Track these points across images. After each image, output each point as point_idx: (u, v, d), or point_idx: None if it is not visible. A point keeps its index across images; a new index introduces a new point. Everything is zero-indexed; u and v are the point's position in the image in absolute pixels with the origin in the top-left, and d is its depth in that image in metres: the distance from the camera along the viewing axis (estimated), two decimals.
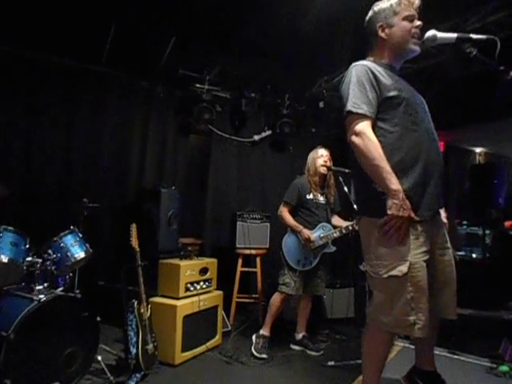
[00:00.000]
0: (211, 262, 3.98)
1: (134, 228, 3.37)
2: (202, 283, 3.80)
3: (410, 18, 2.18)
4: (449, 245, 2.24)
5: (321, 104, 5.55)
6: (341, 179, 3.64)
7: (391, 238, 2.00)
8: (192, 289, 3.68)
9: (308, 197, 3.77)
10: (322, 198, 3.82)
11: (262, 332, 3.78)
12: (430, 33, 2.09)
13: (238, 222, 4.73)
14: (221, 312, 3.98)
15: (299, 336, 3.91)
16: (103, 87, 4.54)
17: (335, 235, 3.67)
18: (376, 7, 2.25)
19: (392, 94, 2.09)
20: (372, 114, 2.07)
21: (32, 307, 2.60)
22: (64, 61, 4.23)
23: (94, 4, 3.66)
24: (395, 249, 2.02)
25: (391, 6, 2.20)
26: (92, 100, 4.47)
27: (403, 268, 2.00)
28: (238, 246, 4.69)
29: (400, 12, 2.18)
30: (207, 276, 3.88)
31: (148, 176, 4.82)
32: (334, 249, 3.76)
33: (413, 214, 1.99)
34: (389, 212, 1.97)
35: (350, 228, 3.62)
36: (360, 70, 2.13)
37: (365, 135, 2.03)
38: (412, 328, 1.99)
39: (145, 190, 4.63)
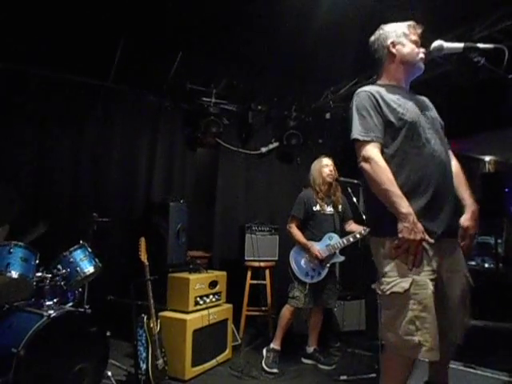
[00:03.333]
0: (220, 275, 3.96)
1: (142, 242, 3.38)
2: (211, 296, 3.79)
3: (416, 43, 2.25)
4: (460, 268, 2.16)
5: (327, 115, 5.56)
6: (349, 190, 3.62)
7: (408, 263, 1.98)
8: (201, 302, 3.67)
9: (315, 209, 3.76)
10: (328, 209, 3.81)
11: (272, 346, 3.74)
12: (437, 43, 2.09)
13: (247, 235, 4.71)
14: (231, 325, 3.95)
15: (310, 349, 3.86)
16: (112, 102, 4.60)
17: (342, 244, 3.65)
18: (385, 27, 2.30)
19: (393, 119, 2.10)
20: (379, 138, 2.09)
21: (42, 323, 2.60)
22: (74, 77, 4.31)
23: (101, 21, 3.73)
24: (399, 265, 2.00)
25: (401, 27, 2.27)
26: (101, 115, 4.53)
27: (405, 284, 1.97)
28: (246, 258, 4.67)
29: (409, 35, 2.25)
30: (216, 289, 3.86)
31: (156, 189, 4.85)
32: (342, 258, 3.73)
33: (426, 236, 1.96)
34: (400, 236, 1.95)
35: (358, 236, 3.60)
36: (363, 97, 2.15)
37: (373, 160, 2.04)
38: (418, 350, 1.93)
39: (153, 203, 4.65)
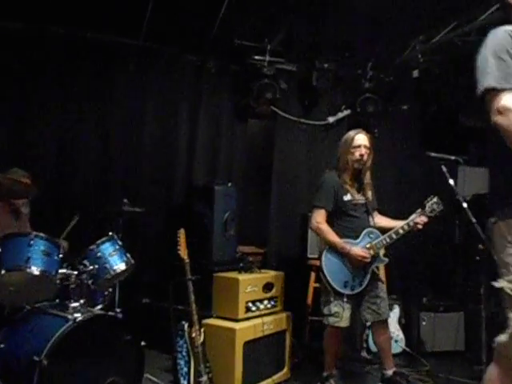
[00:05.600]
0: (277, 276, 3.97)
1: (182, 234, 3.45)
2: (265, 302, 3.80)
3: None
4: None
5: (415, 73, 5.33)
6: (444, 169, 3.46)
7: None
8: (254, 309, 3.69)
9: (345, 198, 3.64)
10: (360, 197, 3.70)
11: (325, 374, 3.73)
12: None
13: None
14: (290, 338, 3.96)
15: (389, 373, 3.78)
16: (143, 64, 4.70)
17: (385, 243, 3.55)
18: None
19: None
20: None
21: (67, 328, 2.73)
22: (99, 36, 4.43)
23: None
24: None
25: None
26: (130, 81, 4.65)
27: None
28: (310, 255, 4.63)
29: None
30: (272, 293, 3.87)
31: (198, 171, 4.92)
32: (386, 260, 3.65)
33: None
34: None
35: (407, 228, 3.50)
36: (502, 37, 2.06)
37: (511, 112, 1.93)
38: None
39: (195, 187, 4.73)
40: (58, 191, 4.23)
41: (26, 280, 2.89)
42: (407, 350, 4.59)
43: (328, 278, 3.55)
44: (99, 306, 3.38)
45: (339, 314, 3.53)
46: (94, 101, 4.50)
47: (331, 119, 5.51)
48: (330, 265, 3.58)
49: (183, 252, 3.39)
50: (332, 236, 3.58)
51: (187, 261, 3.38)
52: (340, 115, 5.53)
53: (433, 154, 3.62)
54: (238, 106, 5.19)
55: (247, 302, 3.66)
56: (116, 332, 2.97)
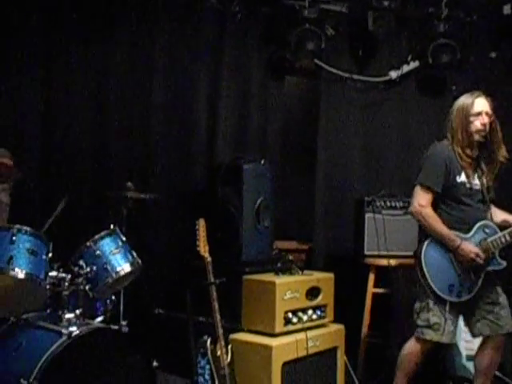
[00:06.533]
0: (325, 279, 3.99)
1: (202, 226, 3.50)
2: (310, 312, 3.83)
3: None
4: None
5: (506, 9, 5.22)
6: None
7: None
8: (295, 320, 3.72)
9: (459, 179, 3.61)
10: (477, 181, 3.66)
11: None
12: None
13: (368, 214, 4.69)
14: (342, 358, 3.99)
15: None
16: (150, 10, 4.70)
17: (505, 241, 3.52)
18: None
19: None
20: None
21: (60, 344, 2.79)
22: None
23: None
24: None
25: None
26: (134, 31, 4.66)
27: None
28: (367, 252, 4.66)
29: None
30: (319, 301, 3.90)
31: (222, 145, 4.96)
32: (504, 264, 3.59)
33: None
34: None
35: None
36: None
37: None
38: None
39: (218, 166, 4.73)
40: (45, 175, 4.30)
41: (9, 285, 2.98)
42: (499, 375, 4.54)
43: (428, 278, 3.57)
44: (100, 318, 3.44)
45: (440, 325, 3.54)
46: (88, 58, 4.52)
47: (394, 74, 5.47)
48: (432, 262, 3.60)
49: (203, 249, 3.44)
50: (440, 225, 3.58)
51: (209, 260, 3.43)
52: (406, 68, 5.48)
53: None
54: (272, 61, 5.19)
55: (286, 312, 3.69)
56: (121, 349, 3.05)
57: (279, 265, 4.04)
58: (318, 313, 3.89)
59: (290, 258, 4.27)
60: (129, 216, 3.78)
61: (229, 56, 5.03)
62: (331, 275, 4.07)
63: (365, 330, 4.60)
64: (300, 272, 4.00)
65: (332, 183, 5.30)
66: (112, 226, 3.50)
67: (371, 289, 4.59)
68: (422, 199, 3.63)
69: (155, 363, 3.13)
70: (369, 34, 5.31)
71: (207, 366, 3.30)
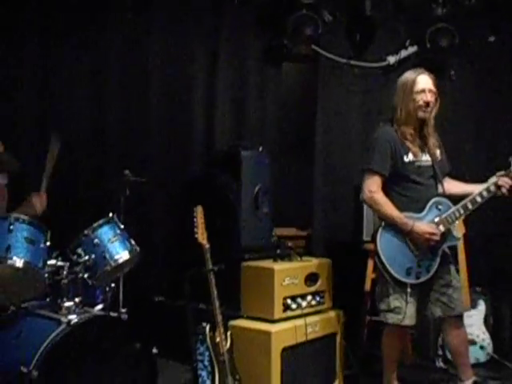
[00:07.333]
0: (323, 265, 4.01)
1: (199, 213, 3.50)
2: (309, 298, 3.84)
3: None
4: None
5: None
6: None
7: None
8: (294, 306, 3.74)
9: (406, 159, 3.60)
10: (425, 157, 3.66)
11: None
12: None
13: None
14: (341, 344, 4.01)
15: None
16: None
17: (459, 215, 3.53)
18: None
19: None
20: None
21: (60, 332, 2.82)
22: None
23: None
24: None
25: None
26: (129, 17, 4.64)
27: None
28: (366, 238, 4.64)
29: None
30: (317, 286, 3.92)
31: (220, 132, 4.97)
32: (459, 238, 3.67)
33: None
34: None
35: (486, 194, 3.49)
36: None
37: None
38: None
39: (216, 153, 4.78)
40: (40, 163, 4.29)
41: (8, 274, 2.99)
42: (496, 357, 4.58)
43: (385, 263, 3.55)
44: (99, 306, 3.44)
45: (401, 309, 3.55)
46: (85, 43, 4.53)
47: (392, 59, 5.44)
48: (388, 247, 3.58)
49: (202, 236, 3.44)
50: (390, 209, 3.56)
51: (207, 247, 3.43)
52: (404, 53, 5.46)
53: None
54: (269, 47, 5.17)
55: (285, 298, 3.70)
56: (121, 337, 3.06)
57: (278, 251, 4.05)
58: (317, 299, 3.91)
59: (289, 244, 4.29)
60: (126, 204, 3.78)
61: (226, 42, 5.02)
62: (329, 261, 4.09)
63: (364, 315, 4.61)
64: (299, 258, 4.01)
65: (331, 169, 5.30)
66: (110, 215, 3.50)
67: (370, 274, 4.59)
68: (371, 185, 3.62)
69: (155, 350, 3.14)
70: (366, 18, 5.30)
71: (206, 353, 3.31)
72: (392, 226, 3.57)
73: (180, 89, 4.88)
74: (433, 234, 3.49)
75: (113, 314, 3.32)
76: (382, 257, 3.56)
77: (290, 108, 5.35)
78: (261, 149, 4.53)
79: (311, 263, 3.96)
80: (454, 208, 3.57)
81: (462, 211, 3.54)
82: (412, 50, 5.45)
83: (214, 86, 4.98)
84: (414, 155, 3.63)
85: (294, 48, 5.13)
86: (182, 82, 4.89)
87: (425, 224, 3.53)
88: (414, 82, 3.64)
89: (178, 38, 4.85)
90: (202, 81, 4.96)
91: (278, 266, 3.75)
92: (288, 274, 3.74)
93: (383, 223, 3.62)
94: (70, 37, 4.47)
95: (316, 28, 4.95)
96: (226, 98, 5.01)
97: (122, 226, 3.51)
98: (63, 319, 2.89)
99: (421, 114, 3.60)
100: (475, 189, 3.59)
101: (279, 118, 5.27)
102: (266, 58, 5.19)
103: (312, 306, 3.86)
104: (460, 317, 3.69)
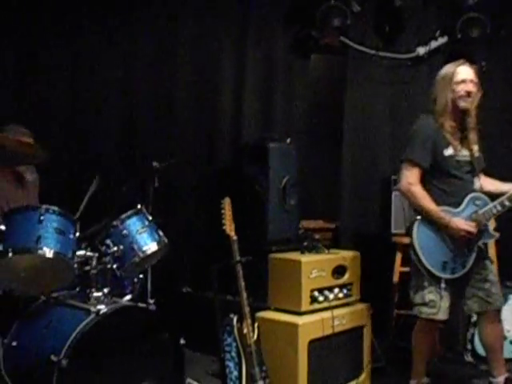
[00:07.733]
0: (351, 258, 3.98)
1: (227, 205, 3.50)
2: (336, 290, 3.83)
3: None
4: None
5: None
6: None
7: None
8: (321, 299, 3.73)
9: (446, 153, 3.54)
10: (464, 152, 3.60)
11: (413, 382, 3.73)
12: None
13: (395, 193, 4.62)
14: (369, 337, 4.00)
15: (499, 381, 3.76)
16: None
17: (497, 211, 3.47)
18: None
19: None
20: None
21: (89, 322, 2.86)
22: None
23: None
24: None
25: None
26: (156, 10, 4.69)
27: None
28: (395, 231, 4.62)
29: None
30: (345, 279, 3.90)
31: (248, 124, 4.96)
32: (496, 235, 3.57)
33: None
34: None
35: None
36: None
37: None
38: None
39: (244, 145, 4.78)
40: (71, 156, 4.36)
41: (38, 264, 3.03)
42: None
43: (421, 257, 3.53)
44: (128, 297, 3.49)
45: (435, 303, 3.51)
46: (114, 39, 4.59)
47: (422, 50, 5.38)
48: (423, 240, 3.56)
49: (229, 227, 3.44)
50: (428, 202, 3.53)
51: (235, 238, 3.44)
52: (434, 44, 5.40)
53: None
54: (297, 39, 5.16)
55: (313, 291, 3.69)
56: (149, 328, 3.09)
57: (305, 243, 4.03)
58: (345, 291, 3.89)
59: (316, 236, 4.26)
60: (155, 196, 3.81)
61: (254, 34, 5.02)
62: (357, 253, 4.05)
63: (393, 308, 4.59)
64: (326, 250, 3.99)
65: (358, 161, 5.26)
66: (139, 206, 3.53)
67: (398, 267, 4.56)
68: (410, 176, 3.59)
69: (182, 341, 3.17)
70: (395, 9, 5.24)
71: (234, 344, 3.32)
72: (428, 220, 3.55)
73: (208, 81, 4.90)
74: (468, 231, 3.46)
75: (141, 305, 3.33)
76: (418, 250, 3.54)
77: (317, 100, 5.33)
78: (288, 141, 4.53)
79: (339, 255, 3.94)
80: (491, 204, 3.51)
81: (499, 208, 3.48)
82: (442, 40, 5.37)
83: (242, 77, 4.99)
84: (454, 149, 3.58)
85: (322, 39, 5.10)
86: (211, 75, 4.91)
87: (461, 221, 3.49)
88: (454, 73, 3.58)
89: (207, 32, 4.86)
90: (231, 72, 4.96)
91: (306, 258, 3.74)
92: (315, 267, 3.72)
93: (419, 216, 3.59)
94: (99, 31, 4.54)
95: (344, 19, 4.91)
96: (254, 90, 5.01)
97: (151, 218, 3.53)
98: (92, 309, 2.93)
99: (462, 104, 3.53)
100: (511, 187, 3.54)
101: (307, 110, 5.25)
102: (294, 49, 5.17)
103: (339, 299, 3.84)
104: (498, 311, 3.64)
